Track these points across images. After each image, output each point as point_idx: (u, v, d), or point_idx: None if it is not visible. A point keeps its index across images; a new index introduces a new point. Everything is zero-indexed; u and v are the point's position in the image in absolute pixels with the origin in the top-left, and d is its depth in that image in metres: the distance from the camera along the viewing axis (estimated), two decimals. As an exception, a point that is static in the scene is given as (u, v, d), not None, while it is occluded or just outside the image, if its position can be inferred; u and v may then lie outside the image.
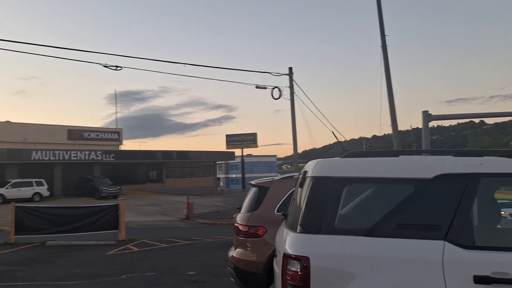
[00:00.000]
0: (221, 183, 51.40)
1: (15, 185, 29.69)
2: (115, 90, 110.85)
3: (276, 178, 5.81)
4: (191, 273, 7.78)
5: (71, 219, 12.20)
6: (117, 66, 14.18)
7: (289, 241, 2.96)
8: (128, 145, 70.14)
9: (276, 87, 18.69)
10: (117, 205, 13.06)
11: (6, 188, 29.10)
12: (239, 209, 5.92)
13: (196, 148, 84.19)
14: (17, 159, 33.23)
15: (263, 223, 5.03)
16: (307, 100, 41.83)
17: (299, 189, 3.26)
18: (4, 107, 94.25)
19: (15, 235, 11.37)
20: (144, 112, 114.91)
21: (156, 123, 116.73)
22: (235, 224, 5.41)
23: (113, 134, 46.92)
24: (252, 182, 5.83)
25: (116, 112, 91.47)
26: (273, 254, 3.99)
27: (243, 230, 5.17)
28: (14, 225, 11.37)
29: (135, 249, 10.67)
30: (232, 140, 56.67)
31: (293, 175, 5.52)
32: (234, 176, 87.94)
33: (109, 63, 14.17)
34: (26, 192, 29.83)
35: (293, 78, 18.85)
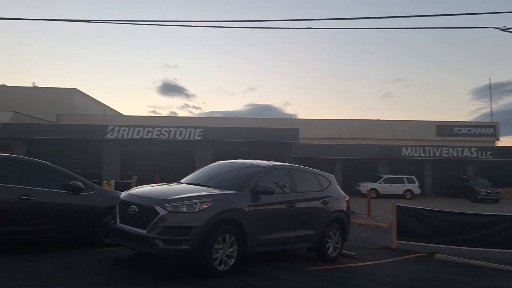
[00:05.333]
0: None
1: (387, 181, 29.82)
2: (489, 79, 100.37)
3: None
4: None
5: (461, 228, 9.51)
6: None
7: None
8: (505, 141, 60.66)
9: None
10: (521, 217, 9.41)
11: (379, 183, 29.57)
12: None
13: None
14: (388, 155, 33.63)
15: None
16: None
17: None
18: (373, 108, 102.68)
19: (397, 239, 9.66)
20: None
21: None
22: None
23: (488, 129, 41.12)
24: None
25: (491, 104, 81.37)
26: None
27: None
28: (396, 227, 9.68)
29: None
30: None
31: None
32: None
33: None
34: (398, 188, 29.42)
35: None
